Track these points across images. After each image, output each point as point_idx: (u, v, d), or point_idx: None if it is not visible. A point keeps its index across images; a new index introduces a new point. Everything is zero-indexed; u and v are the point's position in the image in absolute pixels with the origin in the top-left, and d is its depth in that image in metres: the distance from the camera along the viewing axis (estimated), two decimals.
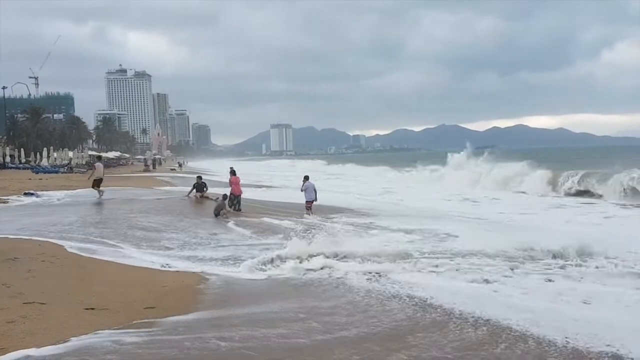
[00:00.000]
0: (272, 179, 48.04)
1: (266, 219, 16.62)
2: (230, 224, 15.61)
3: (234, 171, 23.57)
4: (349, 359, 5.40)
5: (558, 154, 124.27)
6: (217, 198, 20.12)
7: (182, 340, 5.62)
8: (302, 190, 18.48)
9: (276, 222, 16.02)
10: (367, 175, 62.58)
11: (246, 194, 22.40)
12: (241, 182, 21.27)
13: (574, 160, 77.57)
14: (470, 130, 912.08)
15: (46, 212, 17.77)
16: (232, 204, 19.96)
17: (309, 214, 17.72)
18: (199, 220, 16.56)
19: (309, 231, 14.02)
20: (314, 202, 18.17)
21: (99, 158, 34.92)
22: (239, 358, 5.31)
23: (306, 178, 18.70)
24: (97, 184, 23.86)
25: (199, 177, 25.67)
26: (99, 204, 20.92)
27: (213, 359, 5.28)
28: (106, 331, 5.75)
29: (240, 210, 19.76)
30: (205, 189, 24.35)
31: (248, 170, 64.14)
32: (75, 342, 5.39)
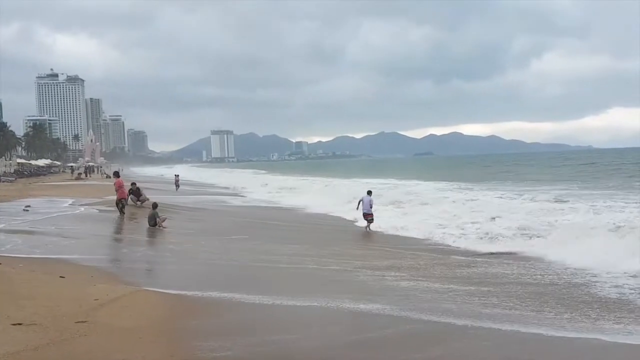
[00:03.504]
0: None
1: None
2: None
3: (118, 173, 23.47)
4: None
5: (491, 160, 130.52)
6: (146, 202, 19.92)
7: None
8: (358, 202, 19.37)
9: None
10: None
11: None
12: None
13: (507, 166, 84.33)
14: (408, 137, 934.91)
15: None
16: (119, 208, 19.90)
17: (368, 229, 18.66)
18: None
19: None
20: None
21: None
22: None
23: (369, 193, 19.61)
24: None
25: (133, 184, 25.20)
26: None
27: None
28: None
29: (124, 213, 19.74)
30: (141, 194, 23.83)
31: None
32: None
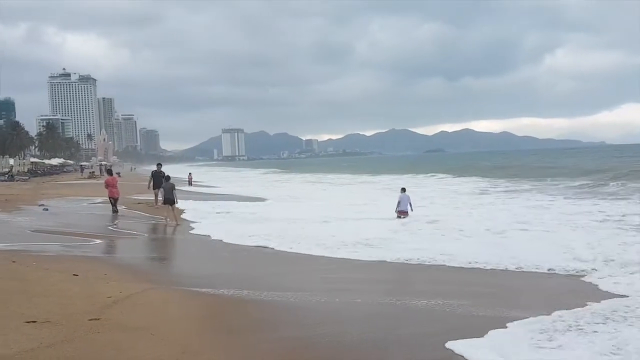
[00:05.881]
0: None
1: None
2: None
3: (111, 171, 23.17)
4: None
5: (503, 157, 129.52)
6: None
7: None
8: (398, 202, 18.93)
9: None
10: None
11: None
12: None
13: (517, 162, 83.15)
14: (419, 134, 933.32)
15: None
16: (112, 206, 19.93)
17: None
18: None
19: None
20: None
21: None
22: None
23: (402, 190, 19.33)
24: None
25: (159, 165, 23.96)
26: None
27: None
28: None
29: (117, 212, 19.70)
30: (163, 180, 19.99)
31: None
32: None
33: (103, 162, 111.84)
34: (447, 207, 23.03)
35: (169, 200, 17.79)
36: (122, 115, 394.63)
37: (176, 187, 18.72)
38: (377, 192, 35.75)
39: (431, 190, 34.16)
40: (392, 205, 19.51)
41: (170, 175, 20.40)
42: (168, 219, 17.57)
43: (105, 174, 22.33)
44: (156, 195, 21.68)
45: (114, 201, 19.94)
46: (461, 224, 16.39)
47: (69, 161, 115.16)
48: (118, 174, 76.33)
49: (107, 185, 20.33)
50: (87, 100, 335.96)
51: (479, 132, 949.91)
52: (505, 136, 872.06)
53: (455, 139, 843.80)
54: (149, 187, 22.79)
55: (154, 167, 24.55)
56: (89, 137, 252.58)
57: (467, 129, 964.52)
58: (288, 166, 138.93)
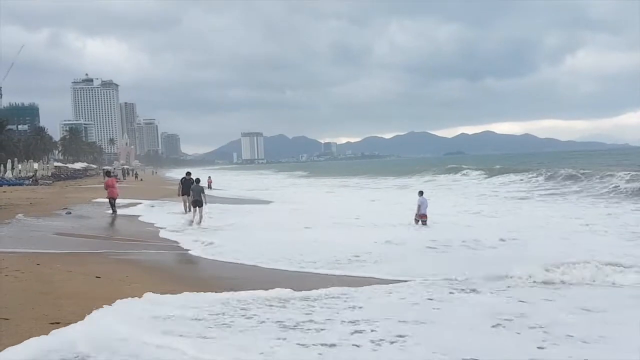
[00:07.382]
0: None
1: None
2: None
3: (109, 173, 23.99)
4: None
5: (525, 159, 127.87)
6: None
7: None
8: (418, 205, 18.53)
9: None
10: None
11: None
12: None
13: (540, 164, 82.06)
14: (439, 137, 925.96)
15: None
16: (110, 206, 20.99)
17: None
18: None
19: None
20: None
21: None
22: None
23: (420, 193, 19.04)
24: None
25: (188, 173, 23.75)
26: None
27: None
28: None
29: (116, 212, 20.75)
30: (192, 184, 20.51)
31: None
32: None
33: (125, 166, 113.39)
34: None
35: (198, 202, 18.31)
36: (143, 119, 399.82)
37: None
38: (400, 195, 35.97)
39: (462, 194, 34.47)
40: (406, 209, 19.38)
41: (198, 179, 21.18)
42: (194, 223, 17.96)
43: (133, 176, 23.44)
44: (185, 202, 21.66)
45: (113, 201, 20.96)
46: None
47: (91, 165, 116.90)
48: (136, 175, 77.48)
49: (107, 186, 21.48)
50: (109, 105, 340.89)
51: (500, 134, 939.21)
52: (526, 138, 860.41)
53: (476, 141, 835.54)
54: (179, 194, 22.71)
55: (175, 170, 25.10)
56: (111, 141, 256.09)
57: (488, 131, 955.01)
58: (309, 169, 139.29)
